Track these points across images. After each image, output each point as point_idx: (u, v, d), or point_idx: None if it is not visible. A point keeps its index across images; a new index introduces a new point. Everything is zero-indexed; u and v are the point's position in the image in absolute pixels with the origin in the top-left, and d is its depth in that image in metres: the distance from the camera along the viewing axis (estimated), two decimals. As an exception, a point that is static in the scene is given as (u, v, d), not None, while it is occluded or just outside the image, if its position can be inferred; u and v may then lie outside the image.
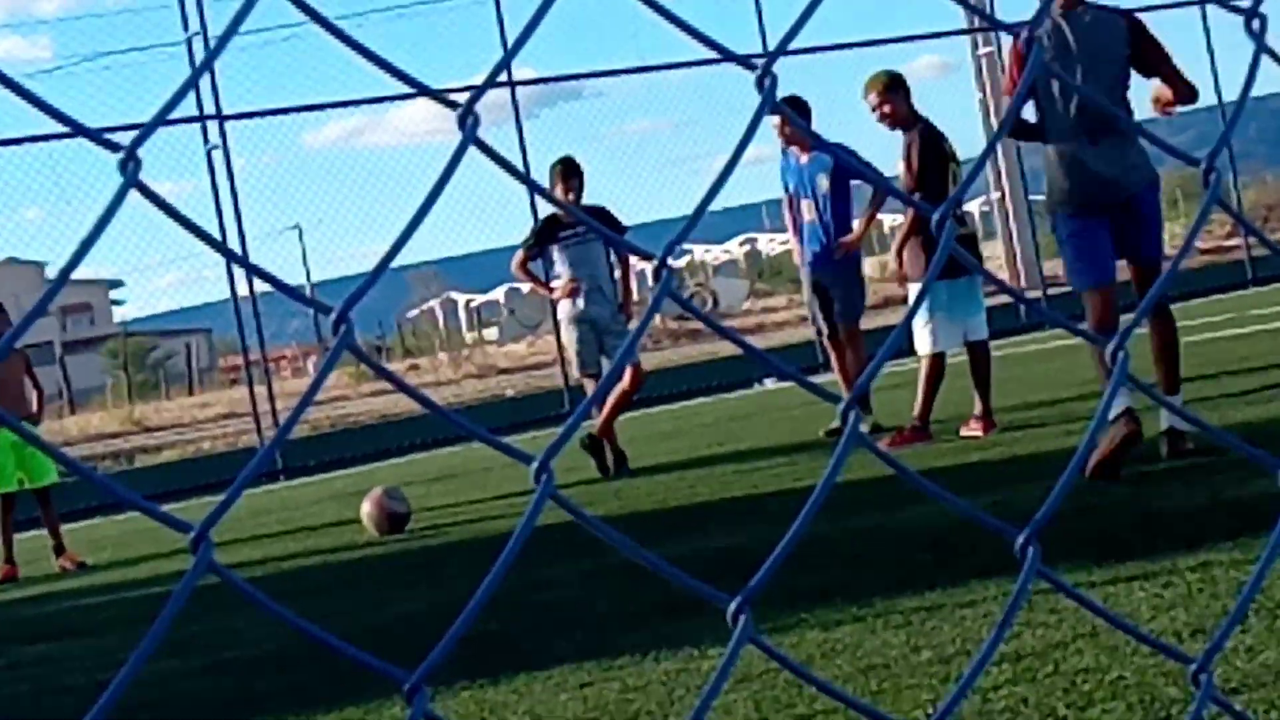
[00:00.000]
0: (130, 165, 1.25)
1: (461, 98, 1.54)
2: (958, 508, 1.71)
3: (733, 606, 1.58)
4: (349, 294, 1.38)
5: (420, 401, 1.72)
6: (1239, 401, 13.30)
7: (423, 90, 1.58)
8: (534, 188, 1.77)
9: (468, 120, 1.46)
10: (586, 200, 16.31)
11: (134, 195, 1.38)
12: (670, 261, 1.79)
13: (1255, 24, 1.76)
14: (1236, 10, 1.81)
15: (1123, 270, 10.91)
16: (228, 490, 1.44)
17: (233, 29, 1.47)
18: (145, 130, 1.31)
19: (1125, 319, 12.22)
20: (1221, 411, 12.54)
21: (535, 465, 1.53)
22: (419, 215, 1.39)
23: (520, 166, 27.93)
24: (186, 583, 1.36)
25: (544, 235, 16.26)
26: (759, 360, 1.71)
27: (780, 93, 1.70)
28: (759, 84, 1.58)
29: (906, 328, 2.18)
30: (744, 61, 1.61)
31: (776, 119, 15.16)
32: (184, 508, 22.07)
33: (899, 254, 14.47)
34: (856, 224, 16.27)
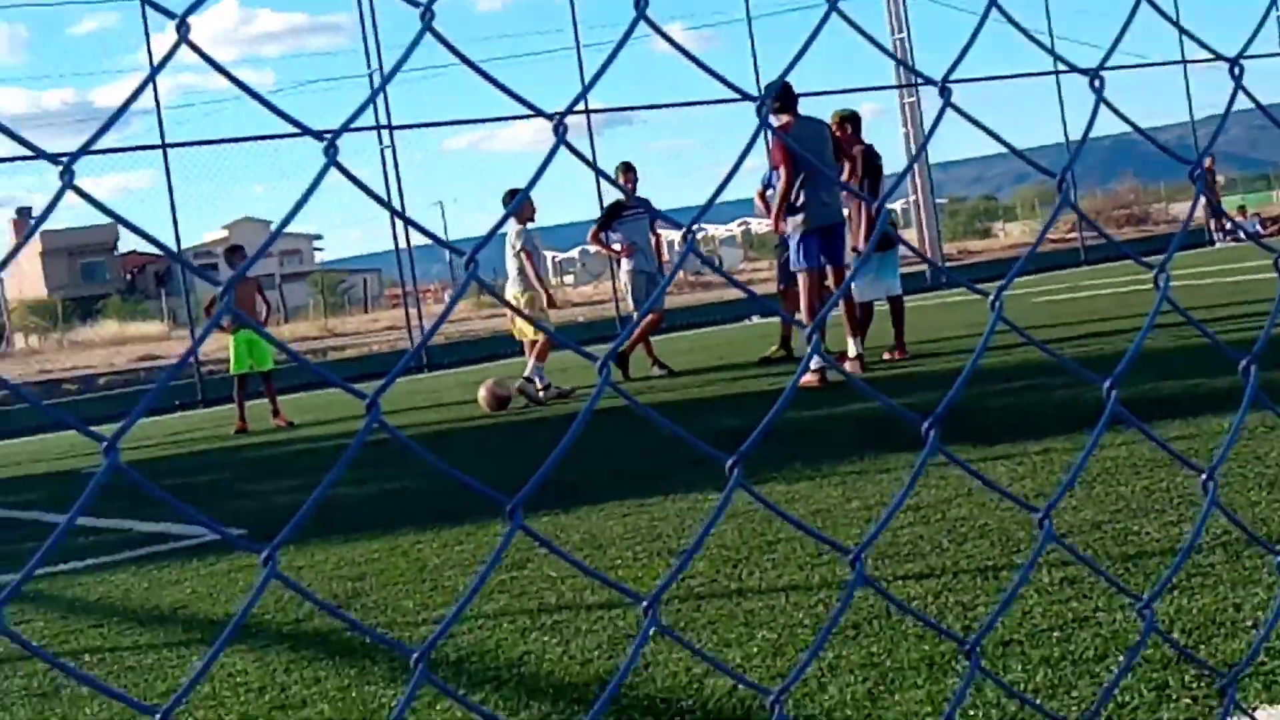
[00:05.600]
0: (331, 150, 1.25)
1: (572, 120, 1.55)
2: (884, 403, 1.69)
3: (730, 462, 1.57)
4: (475, 244, 1.38)
5: (521, 315, 1.71)
6: (1074, 341, 13.28)
7: (529, 107, 1.56)
8: (609, 181, 1.71)
9: (559, 129, 1.45)
10: (638, 193, 16.57)
11: (331, 176, 1.37)
12: (695, 231, 1.77)
13: (1097, 82, 1.75)
14: (1079, 71, 1.80)
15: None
16: (394, 369, 1.44)
17: (397, 66, 1.46)
18: (344, 125, 1.30)
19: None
20: (1060, 345, 12.48)
21: (600, 362, 1.52)
22: (516, 203, 1.40)
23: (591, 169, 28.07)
24: (360, 436, 1.35)
25: (610, 215, 16.51)
26: (753, 299, 1.70)
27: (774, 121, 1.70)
28: (758, 110, 1.57)
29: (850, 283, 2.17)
30: (746, 95, 1.59)
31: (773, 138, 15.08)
32: (363, 387, 22.11)
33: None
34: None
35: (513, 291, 15.00)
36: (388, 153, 26.53)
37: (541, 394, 14.64)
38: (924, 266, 33.81)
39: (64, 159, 1.05)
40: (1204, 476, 2.00)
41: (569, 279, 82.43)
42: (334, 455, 12.90)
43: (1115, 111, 1.86)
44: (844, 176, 13.46)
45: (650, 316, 15.96)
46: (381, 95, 25.99)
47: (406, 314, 28.46)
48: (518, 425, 12.97)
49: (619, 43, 1.35)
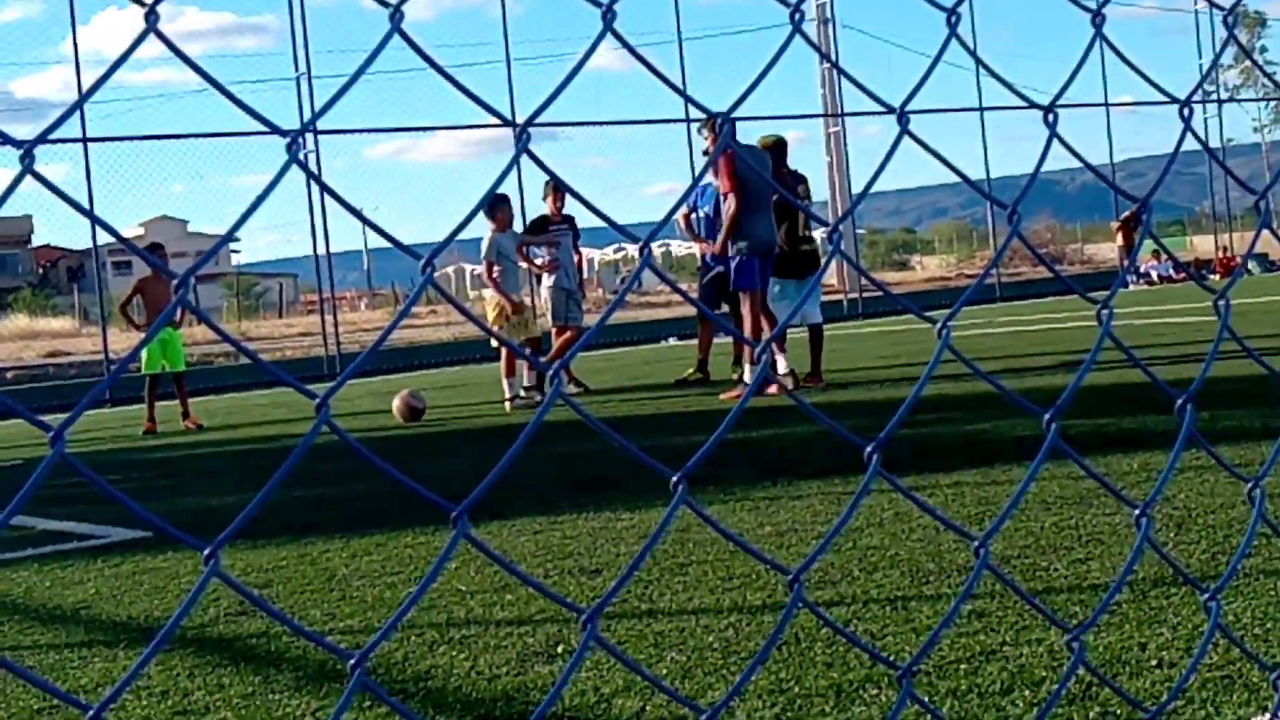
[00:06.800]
0: (295, 145, 1.24)
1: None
2: (828, 425, 1.70)
3: (674, 479, 1.57)
4: (432, 249, 1.37)
5: (485, 330, 1.70)
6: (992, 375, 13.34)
7: (492, 113, 1.55)
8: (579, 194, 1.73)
9: (523, 137, 1.44)
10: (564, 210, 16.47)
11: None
12: (635, 248, 1.76)
13: (1051, 117, 1.76)
14: (1030, 104, 1.82)
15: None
16: (346, 370, 1.42)
17: (365, 64, 1.44)
18: (313, 118, 1.29)
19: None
20: (972, 380, 12.55)
21: (550, 372, 1.52)
22: (477, 208, 1.40)
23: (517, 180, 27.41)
24: (309, 437, 1.34)
25: (535, 229, 16.35)
26: (702, 311, 1.70)
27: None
28: (719, 127, 1.57)
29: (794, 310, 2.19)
30: (707, 112, 1.59)
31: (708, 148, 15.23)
32: (276, 393, 22.00)
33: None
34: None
35: (487, 294, 15.19)
36: (311, 158, 26.44)
37: (515, 401, 15.08)
38: (840, 296, 34.01)
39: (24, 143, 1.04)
40: (1137, 513, 2.02)
41: (487, 292, 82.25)
42: (243, 459, 12.80)
43: (1066, 147, 1.89)
44: (730, 209, 13.62)
45: (569, 333, 15.93)
46: (308, 100, 25.87)
47: (322, 320, 28.38)
48: (431, 436, 12.91)
49: (586, 52, 1.35)
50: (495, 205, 15.07)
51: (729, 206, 13.49)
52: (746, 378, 13.61)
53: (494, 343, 14.83)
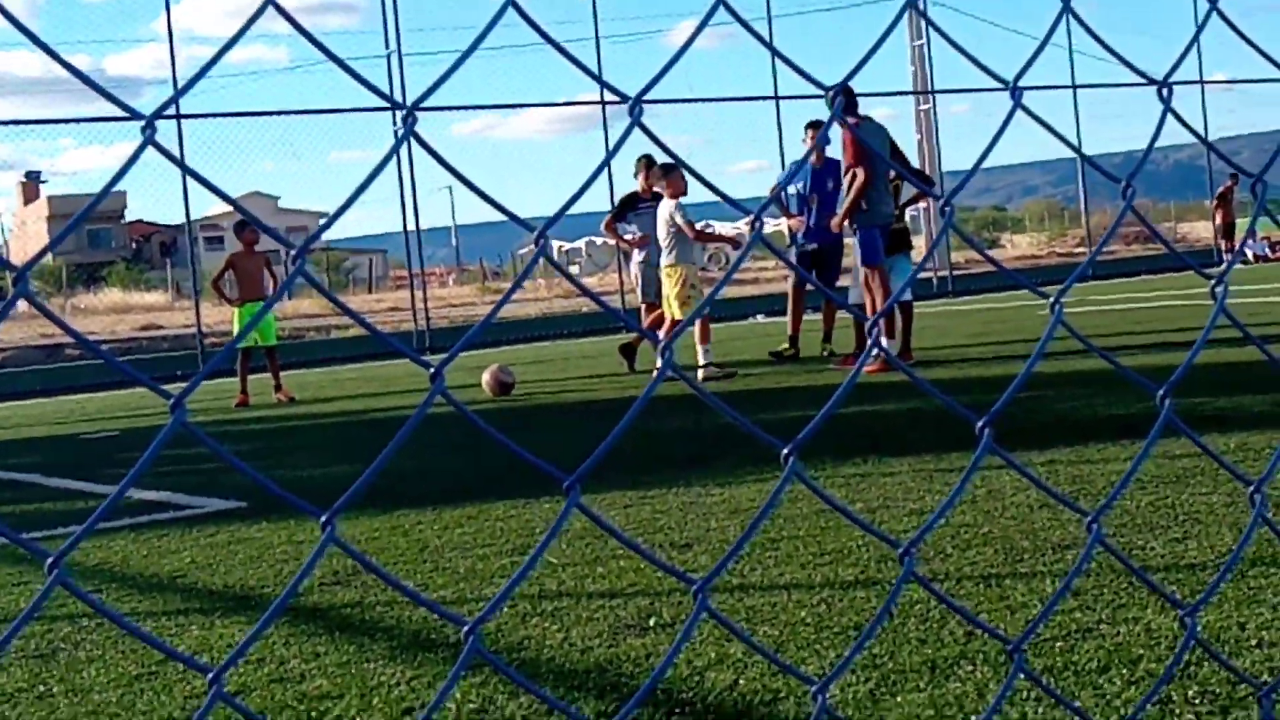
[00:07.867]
0: (410, 119, 1.24)
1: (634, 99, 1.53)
2: (939, 398, 1.69)
3: (784, 451, 1.57)
4: (544, 222, 1.37)
5: (599, 304, 1.70)
6: (1083, 354, 13.22)
7: (608, 88, 1.55)
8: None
9: (635, 111, 1.44)
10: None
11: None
12: (724, 225, 1.75)
13: (1165, 92, 1.74)
14: (1147, 80, 1.79)
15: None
16: (462, 337, 1.43)
17: (481, 37, 1.44)
18: (425, 95, 1.29)
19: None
20: (1068, 358, 12.43)
21: (661, 345, 1.52)
22: (571, 202, 1.41)
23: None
24: (424, 406, 1.35)
25: (625, 206, 16.30)
26: (824, 293, 1.70)
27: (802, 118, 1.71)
28: (831, 101, 1.56)
29: (902, 290, 2.19)
30: (820, 85, 1.59)
31: (807, 135, 15.10)
32: (365, 367, 22.16)
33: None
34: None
35: (665, 264, 14.87)
36: (400, 134, 26.60)
37: (709, 370, 14.66)
38: (929, 274, 33.83)
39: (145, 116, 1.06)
40: (1252, 489, 2.00)
41: (573, 269, 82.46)
42: (335, 432, 12.91)
43: (1181, 122, 1.86)
44: (859, 181, 13.48)
45: (658, 310, 15.86)
46: (399, 77, 25.97)
47: (412, 296, 28.49)
48: (520, 410, 12.96)
49: (699, 26, 1.35)
50: (670, 169, 14.85)
51: (859, 178, 13.35)
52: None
53: (676, 313, 14.44)
